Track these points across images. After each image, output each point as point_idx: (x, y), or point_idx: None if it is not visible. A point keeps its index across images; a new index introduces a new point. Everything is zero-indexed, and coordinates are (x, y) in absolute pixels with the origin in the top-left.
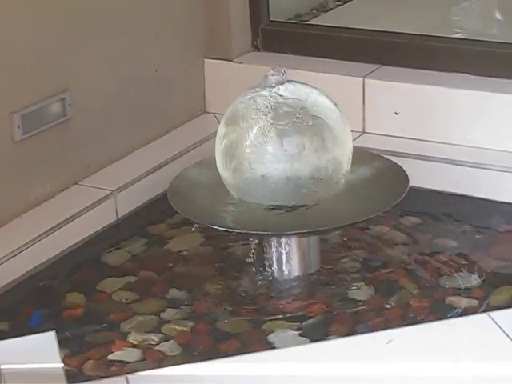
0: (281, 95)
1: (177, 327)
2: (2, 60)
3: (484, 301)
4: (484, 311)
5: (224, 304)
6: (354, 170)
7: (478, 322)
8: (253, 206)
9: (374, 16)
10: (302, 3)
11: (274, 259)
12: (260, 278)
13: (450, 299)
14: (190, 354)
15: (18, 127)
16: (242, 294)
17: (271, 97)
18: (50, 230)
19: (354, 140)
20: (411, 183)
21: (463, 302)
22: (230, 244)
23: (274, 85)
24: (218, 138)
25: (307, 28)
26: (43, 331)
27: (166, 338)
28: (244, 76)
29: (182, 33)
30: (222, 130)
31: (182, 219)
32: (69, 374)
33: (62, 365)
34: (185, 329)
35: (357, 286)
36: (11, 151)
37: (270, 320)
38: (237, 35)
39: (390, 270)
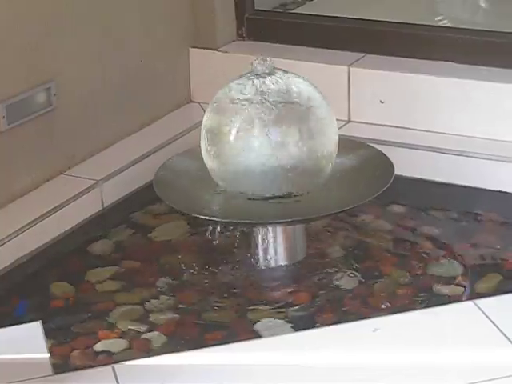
0: (266, 84)
1: (163, 317)
2: None
3: (469, 288)
4: (469, 299)
5: (210, 293)
6: (339, 159)
7: (464, 309)
8: (238, 196)
9: (359, 5)
10: None
11: (260, 248)
12: (246, 267)
13: (436, 287)
14: (177, 343)
15: (3, 117)
16: (228, 284)
17: (256, 86)
18: (36, 220)
19: (339, 129)
20: (396, 172)
21: (449, 290)
22: (216, 233)
23: (259, 74)
24: (203, 127)
25: (292, 17)
26: (29, 321)
27: (152, 328)
28: (229, 65)
29: (167, 22)
30: (207, 119)
31: (168, 209)
32: (55, 364)
33: (49, 355)
34: (171, 318)
35: (343, 274)
36: None
37: (257, 309)
38: (222, 24)
39: (376, 258)
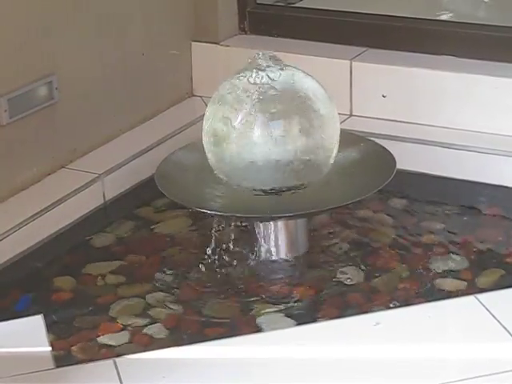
0: (268, 78)
1: (164, 310)
2: None
3: (471, 283)
4: (471, 293)
5: (211, 287)
6: (341, 153)
7: (465, 304)
8: (240, 189)
9: None
10: None
11: (262, 242)
12: (248, 261)
13: (438, 281)
14: (178, 337)
15: (5, 111)
16: (230, 278)
17: (258, 80)
18: (37, 213)
19: (341, 123)
20: (398, 166)
21: (450, 284)
22: (218, 227)
23: (261, 68)
24: (205, 121)
25: (294, 11)
26: (31, 315)
27: (153, 321)
28: (231, 59)
29: (168, 16)
30: (209, 113)
31: (170, 202)
32: (57, 358)
33: (50, 348)
34: (172, 312)
35: (345, 268)
36: None
37: (258, 303)
38: (224, 18)
39: (378, 252)
